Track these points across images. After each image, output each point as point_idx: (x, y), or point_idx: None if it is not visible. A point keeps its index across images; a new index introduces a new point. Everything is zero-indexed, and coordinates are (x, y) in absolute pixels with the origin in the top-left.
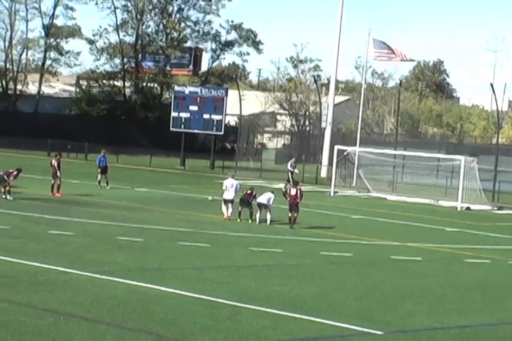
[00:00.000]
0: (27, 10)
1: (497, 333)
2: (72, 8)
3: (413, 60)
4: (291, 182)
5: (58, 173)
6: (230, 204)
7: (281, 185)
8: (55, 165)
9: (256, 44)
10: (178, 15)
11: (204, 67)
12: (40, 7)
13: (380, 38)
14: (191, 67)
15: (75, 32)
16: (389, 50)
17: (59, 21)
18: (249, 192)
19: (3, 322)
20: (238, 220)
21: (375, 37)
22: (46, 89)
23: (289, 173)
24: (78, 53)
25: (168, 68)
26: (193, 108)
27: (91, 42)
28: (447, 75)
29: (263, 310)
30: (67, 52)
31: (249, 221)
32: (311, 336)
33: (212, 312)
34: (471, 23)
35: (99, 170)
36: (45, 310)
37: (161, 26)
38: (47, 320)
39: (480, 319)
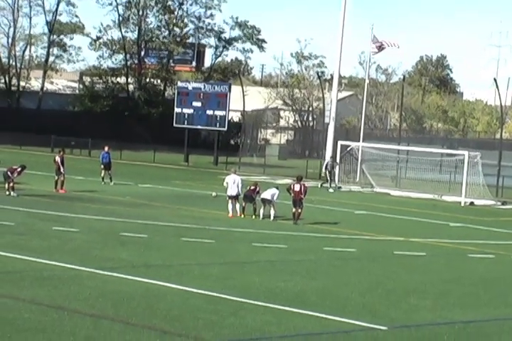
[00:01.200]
0: (30, 6)
1: (501, 328)
2: (74, 5)
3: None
4: (332, 183)
5: (62, 169)
6: (234, 200)
7: (286, 181)
8: (59, 161)
9: (260, 42)
10: (180, 11)
11: (207, 63)
12: (43, 3)
13: (383, 33)
14: (194, 63)
15: (78, 29)
16: (377, 42)
17: (62, 18)
18: (252, 187)
19: (7, 319)
20: (242, 216)
21: (377, 32)
22: (49, 86)
23: (328, 173)
24: (79, 48)
25: (171, 64)
26: (197, 104)
27: (95, 39)
28: (450, 70)
29: (267, 305)
30: (69, 46)
31: (253, 216)
32: (315, 332)
33: (216, 308)
34: (474, 18)
35: (102, 167)
36: (50, 306)
37: (163, 22)
38: (51, 316)
39: (484, 314)
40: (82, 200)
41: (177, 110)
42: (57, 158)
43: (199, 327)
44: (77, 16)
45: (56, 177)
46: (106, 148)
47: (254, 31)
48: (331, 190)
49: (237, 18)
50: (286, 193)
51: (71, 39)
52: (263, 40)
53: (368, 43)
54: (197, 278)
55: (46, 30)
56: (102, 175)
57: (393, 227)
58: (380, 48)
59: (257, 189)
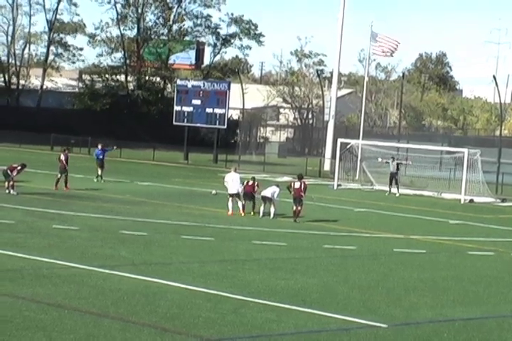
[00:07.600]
0: (30, 5)
1: (501, 325)
2: (76, 5)
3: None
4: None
5: (67, 168)
6: (235, 199)
7: (285, 179)
8: (64, 159)
9: (257, 36)
10: (178, 9)
11: (206, 60)
12: (44, 2)
13: (382, 31)
14: (193, 60)
15: (78, 28)
16: (379, 44)
17: (62, 16)
18: (250, 183)
19: (7, 317)
20: (243, 214)
21: (377, 29)
22: (49, 84)
23: (395, 175)
24: (81, 49)
25: (170, 62)
26: (196, 102)
27: (93, 36)
28: (450, 68)
29: (267, 303)
30: (69, 46)
31: (252, 213)
32: (315, 329)
33: (216, 305)
34: (473, 15)
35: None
36: (50, 304)
37: (161, 20)
38: (51, 314)
39: (483, 311)
40: (82, 198)
41: (176, 108)
42: (62, 157)
43: (199, 325)
44: (77, 15)
45: (59, 176)
46: (99, 146)
47: (250, 26)
48: (397, 195)
49: (232, 14)
50: (287, 191)
51: (74, 37)
52: (260, 34)
53: (367, 41)
54: (197, 276)
55: (46, 29)
56: (99, 172)
57: (393, 225)
58: (386, 52)
59: (255, 184)
